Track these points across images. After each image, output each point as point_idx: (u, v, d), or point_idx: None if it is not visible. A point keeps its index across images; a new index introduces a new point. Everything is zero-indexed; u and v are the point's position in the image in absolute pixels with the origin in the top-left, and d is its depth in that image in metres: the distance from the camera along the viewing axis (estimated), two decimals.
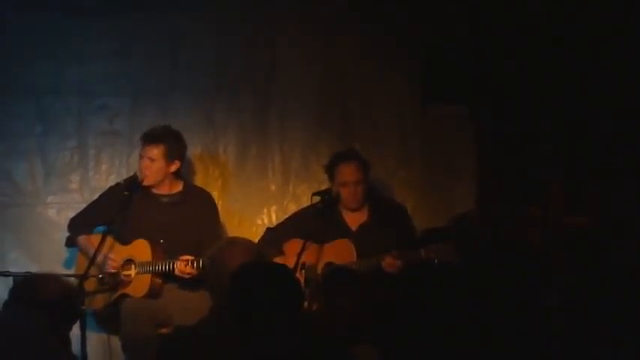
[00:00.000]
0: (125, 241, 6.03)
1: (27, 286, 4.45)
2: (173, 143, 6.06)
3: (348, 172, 6.05)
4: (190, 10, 6.71)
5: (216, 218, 6.21)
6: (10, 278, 5.32)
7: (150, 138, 6.06)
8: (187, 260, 5.76)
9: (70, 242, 6.23)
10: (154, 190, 6.11)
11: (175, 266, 5.79)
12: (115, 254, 5.98)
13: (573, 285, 5.89)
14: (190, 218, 6.06)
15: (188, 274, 5.79)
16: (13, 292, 4.43)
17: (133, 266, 5.97)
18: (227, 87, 6.74)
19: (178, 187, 6.16)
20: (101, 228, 6.05)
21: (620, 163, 6.17)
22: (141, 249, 5.95)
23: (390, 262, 5.77)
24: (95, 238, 5.99)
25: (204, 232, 6.02)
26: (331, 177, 6.13)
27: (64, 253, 6.37)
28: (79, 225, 6.19)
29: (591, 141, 6.24)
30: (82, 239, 6.14)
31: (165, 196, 6.12)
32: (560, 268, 5.97)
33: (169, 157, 6.04)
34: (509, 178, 6.42)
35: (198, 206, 6.13)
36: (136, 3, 6.69)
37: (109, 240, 5.91)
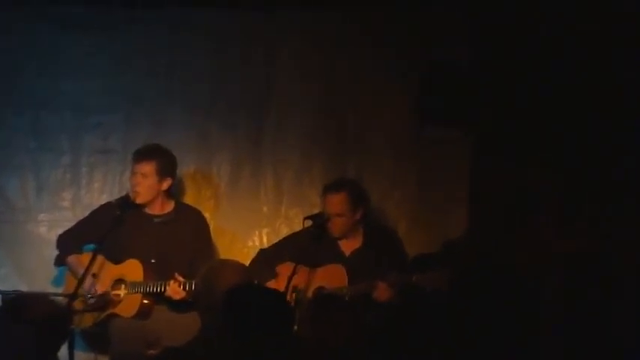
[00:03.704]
0: (116, 260, 6.00)
1: (16, 304, 4.42)
2: (165, 160, 6.06)
3: (332, 204, 6.04)
4: (187, 26, 6.70)
5: (208, 238, 6.19)
6: None
7: (142, 154, 6.06)
8: (180, 282, 5.72)
9: (59, 262, 6.20)
10: (146, 210, 6.09)
11: (167, 287, 5.76)
12: (105, 273, 5.95)
13: (564, 307, 5.90)
14: (182, 238, 6.05)
15: (179, 296, 5.75)
16: (2, 311, 4.41)
17: (123, 286, 5.93)
18: (222, 105, 6.72)
19: (170, 206, 6.15)
20: (91, 246, 6.02)
21: (614, 188, 6.17)
22: (132, 269, 5.93)
23: (381, 292, 5.75)
24: (85, 257, 5.95)
25: (196, 252, 6.01)
26: (322, 205, 6.11)
27: (54, 270, 6.33)
28: (68, 243, 6.15)
29: (585, 165, 6.24)
30: (71, 259, 6.10)
31: (157, 216, 6.10)
32: (550, 291, 5.97)
33: (161, 174, 6.03)
34: (502, 201, 6.41)
35: (190, 226, 6.11)
36: (132, 19, 6.68)
37: (100, 259, 5.88)
